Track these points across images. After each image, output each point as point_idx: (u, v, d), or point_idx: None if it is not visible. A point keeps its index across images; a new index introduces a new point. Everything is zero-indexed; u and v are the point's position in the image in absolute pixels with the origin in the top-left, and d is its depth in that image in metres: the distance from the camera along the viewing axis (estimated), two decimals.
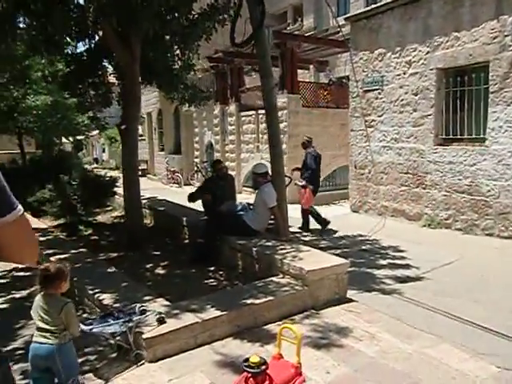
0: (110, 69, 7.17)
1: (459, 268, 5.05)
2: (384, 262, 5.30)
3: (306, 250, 4.22)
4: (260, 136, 11.40)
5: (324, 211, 9.20)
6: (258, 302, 3.31)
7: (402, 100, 7.55)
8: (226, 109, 12.90)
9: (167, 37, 5.59)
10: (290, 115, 10.15)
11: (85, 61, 6.05)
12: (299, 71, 13.08)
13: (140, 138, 22.76)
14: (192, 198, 5.60)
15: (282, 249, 4.27)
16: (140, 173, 20.97)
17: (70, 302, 2.38)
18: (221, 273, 4.62)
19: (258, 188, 4.90)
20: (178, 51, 6.03)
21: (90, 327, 2.70)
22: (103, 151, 29.13)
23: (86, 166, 28.14)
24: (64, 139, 25.26)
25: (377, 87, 7.99)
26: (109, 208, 8.96)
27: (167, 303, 3.24)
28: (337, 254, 5.51)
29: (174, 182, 15.56)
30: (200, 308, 3.16)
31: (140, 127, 23.05)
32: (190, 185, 14.40)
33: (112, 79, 7.61)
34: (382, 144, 8.05)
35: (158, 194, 11.12)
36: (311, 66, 13.14)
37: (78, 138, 22.46)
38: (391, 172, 7.91)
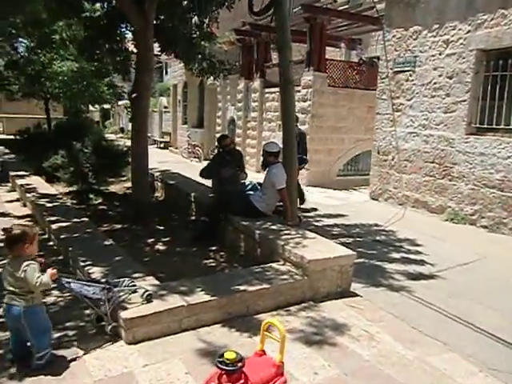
0: (130, 36, 6.96)
1: (479, 269, 4.68)
2: (397, 256, 4.98)
3: (311, 237, 3.96)
4: None
5: (342, 197, 8.89)
6: (252, 289, 3.10)
7: (435, 83, 7.01)
8: (251, 84, 12.52)
9: (185, 2, 5.27)
10: (315, 94, 9.71)
11: (101, 25, 5.83)
12: (329, 49, 12.50)
13: (165, 109, 22.83)
14: (203, 174, 5.40)
15: (286, 234, 4.03)
16: (162, 145, 21.00)
17: (33, 263, 2.33)
18: (222, 254, 4.44)
19: (267, 167, 4.64)
20: (195, 19, 5.71)
21: (69, 280, 2.61)
22: (129, 121, 29.30)
23: (110, 134, 28.49)
24: (92, 107, 25.56)
25: (408, 68, 7.45)
26: (124, 178, 8.91)
27: (156, 282, 3.09)
28: (348, 243, 5.26)
29: (195, 156, 15.42)
30: (189, 290, 2.99)
31: (165, 99, 22.99)
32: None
33: (132, 47, 7.40)
34: (409, 130, 7.56)
35: (176, 167, 11.02)
36: (342, 45, 12.52)
37: (105, 106, 22.59)
38: (416, 160, 7.45)
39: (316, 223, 6.41)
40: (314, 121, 9.82)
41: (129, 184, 8.52)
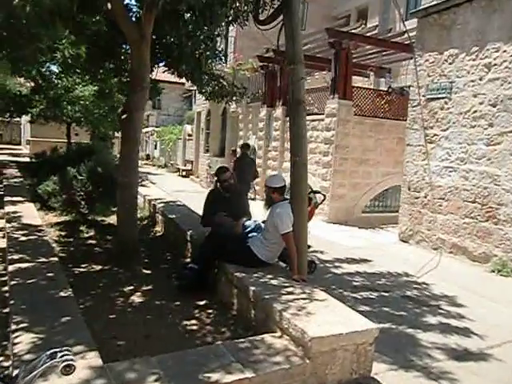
0: None
1: None
2: (433, 321, 3.95)
3: (320, 300, 3.06)
4: None
5: (368, 237, 7.87)
6: (228, 380, 2.22)
7: (475, 112, 6.08)
8: (273, 112, 11.91)
9: (187, 15, 4.70)
10: (340, 123, 8.92)
11: (103, 42, 5.33)
12: (357, 78, 11.81)
13: (189, 137, 22.59)
14: (203, 222, 4.54)
15: (287, 293, 3.15)
16: (184, 173, 20.54)
17: None
18: (210, 311, 3.57)
19: (270, 206, 3.82)
20: (202, 35, 5.12)
21: None
22: (155, 148, 29.38)
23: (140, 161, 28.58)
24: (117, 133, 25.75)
25: (443, 95, 6.57)
26: None
27: (97, 363, 2.25)
28: (371, 300, 4.30)
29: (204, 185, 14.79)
30: (137, 379, 2.14)
31: (189, 127, 22.82)
32: None
33: None
34: (444, 164, 6.59)
35: (191, 197, 10.40)
36: (371, 74, 11.80)
37: None
38: (453, 199, 6.43)
39: (334, 270, 5.46)
40: (338, 152, 8.99)
41: None
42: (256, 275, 3.55)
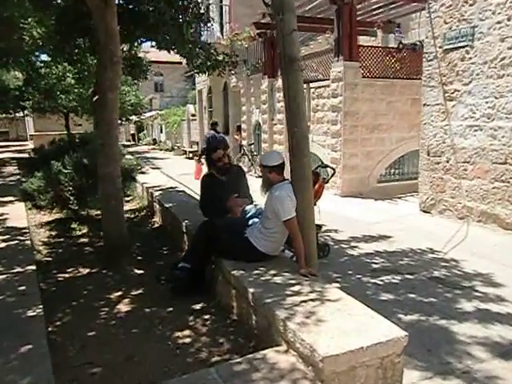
0: None
1: None
2: (469, 307, 3.39)
3: (333, 300, 2.52)
4: (312, 114, 9.55)
5: (385, 209, 7.26)
6: None
7: (503, 59, 5.30)
8: (275, 83, 11.15)
9: None
10: (347, 88, 8.17)
11: (69, 16, 4.72)
12: (364, 38, 10.88)
13: (192, 118, 21.90)
14: (203, 211, 3.98)
15: (294, 293, 2.62)
16: (191, 155, 20.02)
17: None
18: (207, 317, 3.08)
19: (268, 189, 3.24)
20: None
21: None
22: (160, 131, 28.83)
23: (144, 146, 28.08)
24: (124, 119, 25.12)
25: (464, 43, 5.77)
26: (128, 197, 7.84)
27: None
28: (394, 285, 3.75)
29: None
30: None
31: (192, 106, 22.09)
32: None
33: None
34: (468, 123, 5.87)
35: (197, 180, 9.91)
36: (378, 32, 10.84)
37: (131, 118, 22.06)
38: (480, 161, 5.73)
39: (351, 251, 4.91)
40: (347, 119, 8.27)
41: (131, 205, 7.46)
42: (257, 272, 3.02)
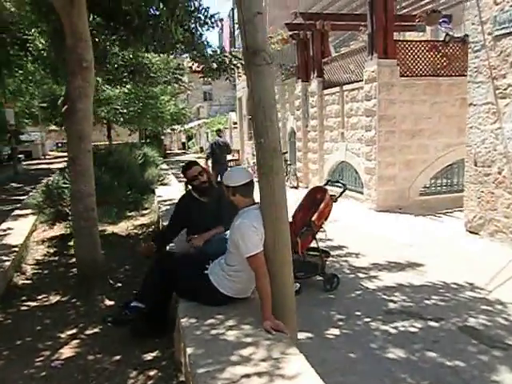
0: None
1: None
2: None
3: (288, 376, 1.79)
4: (345, 120, 8.70)
5: (424, 227, 6.18)
6: None
7: None
8: (308, 87, 10.42)
9: None
10: (381, 89, 7.25)
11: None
12: (411, 34, 9.84)
13: (234, 125, 21.65)
14: (161, 242, 3.38)
15: (241, 360, 1.94)
16: (231, 164, 19.80)
17: None
18: (152, 374, 2.46)
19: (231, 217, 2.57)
20: None
21: None
22: (207, 140, 29.01)
23: (193, 154, 28.35)
24: (165, 129, 25.57)
25: None
26: (146, 211, 7.51)
27: None
28: (411, 334, 2.91)
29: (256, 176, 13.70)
30: None
31: (234, 114, 21.83)
32: None
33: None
34: None
35: None
36: (426, 26, 9.66)
37: (175, 127, 22.29)
38: None
39: (366, 283, 4.05)
40: (383, 125, 7.33)
41: (146, 219, 7.11)
42: (211, 322, 2.36)
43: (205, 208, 3.30)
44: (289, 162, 11.82)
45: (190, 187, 3.37)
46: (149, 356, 2.69)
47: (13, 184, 12.16)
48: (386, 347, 2.85)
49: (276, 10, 12.35)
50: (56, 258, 4.97)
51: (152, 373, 2.49)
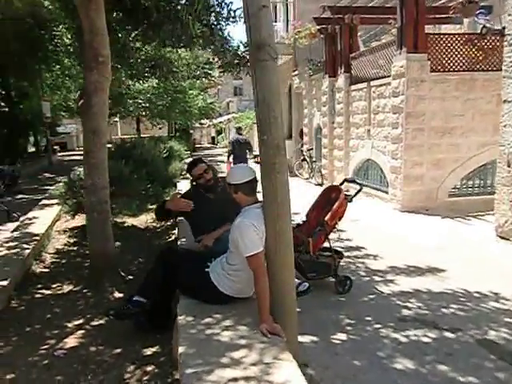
0: None
1: None
2: None
3: (277, 383, 1.71)
4: (372, 116, 8.44)
5: (450, 231, 5.89)
6: None
7: None
8: (335, 83, 10.17)
9: None
10: (410, 85, 6.95)
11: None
12: (448, 27, 9.38)
13: None
14: (159, 213, 3.44)
15: (231, 363, 1.88)
16: (258, 159, 19.83)
17: None
18: (149, 370, 2.45)
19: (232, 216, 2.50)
20: None
21: None
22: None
23: (222, 148, 28.54)
24: (195, 123, 25.80)
25: None
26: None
27: None
28: (423, 345, 2.76)
29: None
30: None
31: None
32: (297, 176, 12.24)
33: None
34: None
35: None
36: (466, 20, 9.17)
37: (203, 122, 22.46)
38: None
39: (382, 287, 3.89)
40: (410, 122, 7.04)
41: None
42: (208, 321, 2.31)
43: (211, 205, 3.24)
44: (314, 159, 11.65)
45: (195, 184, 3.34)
46: (149, 351, 2.69)
47: (46, 174, 12.64)
48: (394, 356, 2.71)
49: (307, 4, 12.11)
50: (75, 248, 5.09)
51: (149, 368, 2.49)
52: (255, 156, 19.04)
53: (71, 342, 2.85)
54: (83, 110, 3.68)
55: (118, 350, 2.69)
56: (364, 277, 4.13)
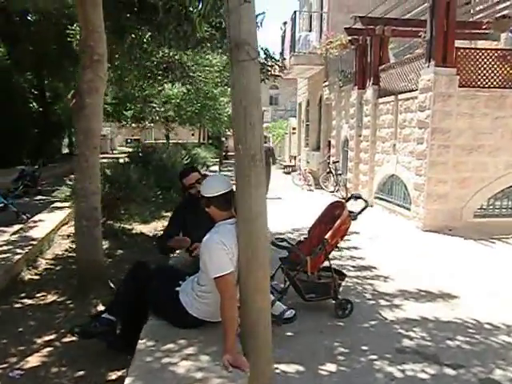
0: None
1: None
2: None
3: None
4: (398, 131, 8.18)
5: (471, 253, 5.56)
6: None
7: None
8: (364, 95, 9.96)
9: None
10: (437, 99, 6.67)
11: None
12: (483, 43, 8.97)
13: (293, 131, 21.42)
14: (161, 246, 3.36)
15: None
16: (287, 170, 19.57)
17: None
18: None
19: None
20: None
21: None
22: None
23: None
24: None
25: None
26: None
27: None
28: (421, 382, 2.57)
29: (307, 184, 13.36)
30: None
31: (295, 119, 21.60)
32: (322, 188, 12.05)
33: None
34: None
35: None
36: (503, 35, 8.76)
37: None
38: None
39: (386, 312, 3.69)
40: (436, 138, 6.75)
41: None
42: (169, 347, 2.16)
43: (204, 215, 3.18)
44: (340, 172, 11.42)
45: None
46: (114, 375, 2.57)
47: (73, 175, 13.02)
48: None
49: (340, 15, 11.98)
50: (74, 255, 5.09)
51: None
52: (285, 166, 18.99)
53: (34, 360, 2.74)
54: (75, 111, 3.62)
55: (81, 373, 2.58)
56: (369, 300, 3.95)
